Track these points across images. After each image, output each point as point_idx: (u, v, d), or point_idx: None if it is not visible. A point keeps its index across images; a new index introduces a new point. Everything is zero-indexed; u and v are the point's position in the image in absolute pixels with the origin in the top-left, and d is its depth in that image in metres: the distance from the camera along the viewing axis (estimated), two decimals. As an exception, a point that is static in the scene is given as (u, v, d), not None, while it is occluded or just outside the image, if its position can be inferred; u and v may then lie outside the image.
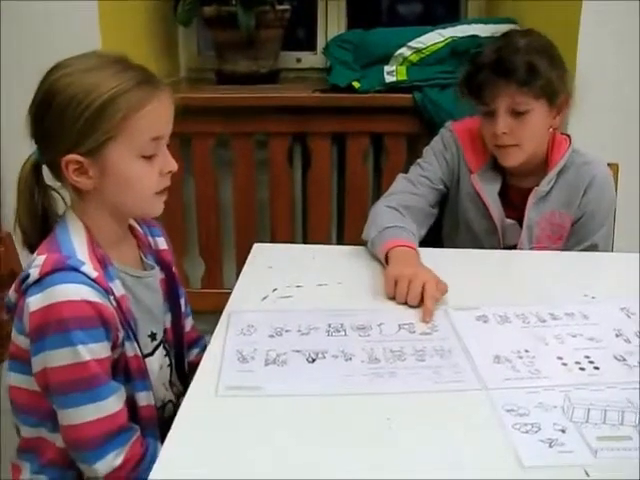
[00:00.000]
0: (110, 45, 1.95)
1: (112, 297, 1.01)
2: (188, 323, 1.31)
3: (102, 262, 1.03)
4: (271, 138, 2.24)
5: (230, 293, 1.27)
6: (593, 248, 1.54)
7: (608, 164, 1.60)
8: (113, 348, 1.01)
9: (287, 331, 1.12)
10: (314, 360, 1.04)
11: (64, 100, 0.98)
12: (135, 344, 1.05)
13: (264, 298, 1.24)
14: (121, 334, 1.02)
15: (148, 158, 1.03)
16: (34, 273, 0.98)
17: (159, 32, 2.47)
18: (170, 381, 1.22)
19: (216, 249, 2.33)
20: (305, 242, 2.35)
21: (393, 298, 1.23)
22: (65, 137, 0.99)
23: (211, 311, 1.32)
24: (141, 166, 1.03)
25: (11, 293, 1.03)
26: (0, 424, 1.69)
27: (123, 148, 1.00)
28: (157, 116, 1.02)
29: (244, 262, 1.43)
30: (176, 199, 2.22)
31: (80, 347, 0.95)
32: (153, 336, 1.14)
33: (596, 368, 1.02)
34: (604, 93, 1.96)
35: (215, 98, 2.20)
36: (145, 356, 1.10)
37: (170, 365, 1.22)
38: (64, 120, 0.98)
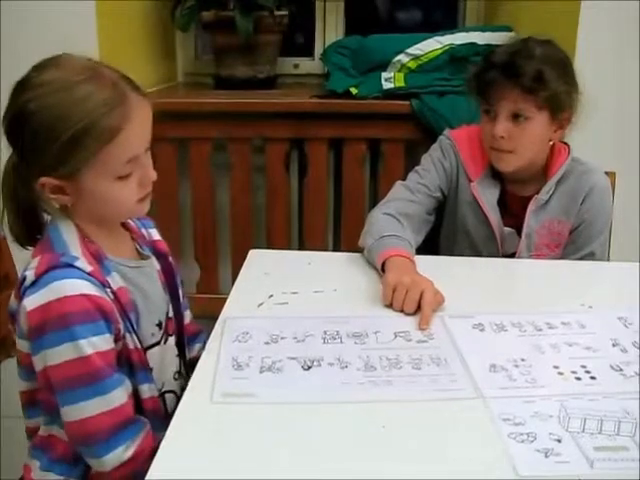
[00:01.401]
0: (107, 50, 1.94)
1: (109, 290, 1.01)
2: (187, 315, 1.30)
3: (96, 256, 1.03)
4: (268, 143, 2.23)
5: (225, 298, 1.27)
6: (591, 256, 1.54)
7: (605, 172, 1.61)
8: (116, 341, 1.02)
9: (283, 338, 1.11)
10: (309, 367, 1.03)
11: (33, 127, 0.96)
12: (135, 336, 1.06)
13: (260, 305, 1.24)
14: (121, 326, 1.02)
15: (125, 177, 1.02)
16: (30, 275, 0.98)
17: (157, 37, 2.47)
18: (179, 372, 1.22)
19: (212, 254, 2.32)
20: (301, 248, 2.34)
21: (390, 305, 1.23)
22: (38, 163, 0.98)
23: (206, 316, 1.31)
24: (117, 187, 1.02)
25: (12, 300, 1.03)
26: (0, 427, 1.69)
27: (97, 174, 0.99)
28: (130, 140, 1.00)
29: (240, 267, 1.42)
30: (172, 203, 2.21)
31: (82, 341, 0.96)
32: (160, 325, 1.15)
33: (592, 378, 1.02)
34: (601, 101, 1.96)
35: (212, 103, 2.19)
36: (153, 345, 1.12)
37: (178, 355, 1.22)
38: (35, 147, 0.97)
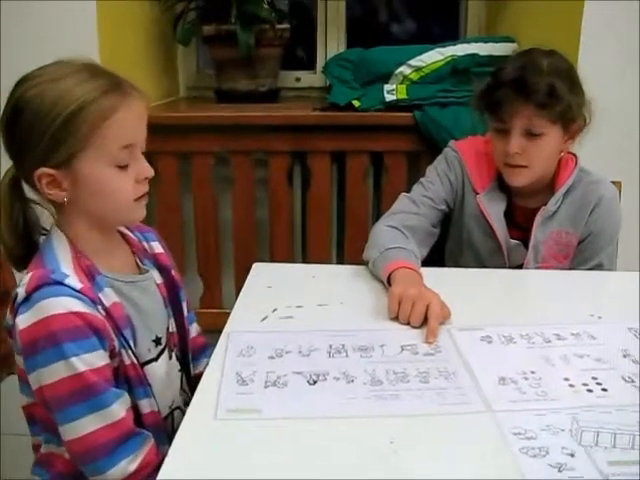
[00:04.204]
0: (109, 65, 1.93)
1: (100, 307, 1.00)
2: (193, 329, 1.30)
3: (88, 273, 1.02)
4: (271, 156, 2.22)
5: (229, 313, 1.25)
6: (599, 267, 1.53)
7: (611, 182, 1.59)
8: (112, 357, 1.01)
9: (287, 352, 1.10)
10: (315, 382, 1.01)
11: (30, 114, 0.97)
12: (130, 352, 1.05)
13: (264, 319, 1.22)
14: (116, 342, 1.02)
15: (121, 167, 1.02)
16: (21, 292, 0.98)
17: (158, 51, 2.47)
18: (181, 387, 1.21)
19: (215, 268, 2.30)
20: (305, 261, 2.33)
21: (396, 318, 1.21)
22: (34, 151, 0.98)
23: (210, 331, 1.30)
24: (114, 176, 1.01)
25: (8, 315, 1.02)
26: (0, 445, 1.68)
27: (93, 159, 0.99)
28: (126, 124, 1.00)
29: (243, 281, 1.41)
30: (175, 217, 2.20)
31: (73, 359, 0.95)
32: (158, 340, 1.13)
33: (604, 390, 0.99)
34: (605, 111, 1.95)
35: (214, 116, 2.18)
36: (149, 362, 1.10)
37: (181, 370, 1.21)
38: (32, 134, 0.97)
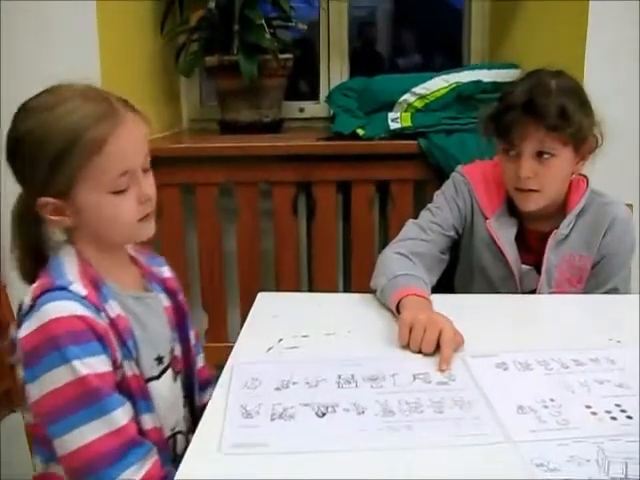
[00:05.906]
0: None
1: (103, 314, 0.99)
2: (199, 360, 1.27)
3: (95, 283, 1.02)
4: (275, 187, 2.20)
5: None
6: (613, 291, 1.49)
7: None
8: (115, 369, 0.99)
9: (294, 383, 1.05)
10: (324, 414, 0.97)
11: (27, 146, 0.98)
12: (133, 364, 1.02)
13: (269, 349, 1.18)
14: (119, 353, 1.00)
15: (121, 192, 1.01)
16: (27, 301, 0.98)
17: (161, 83, 2.47)
18: (185, 414, 1.18)
19: (220, 301, 2.26)
20: (311, 291, 2.29)
21: (406, 346, 1.17)
22: (34, 181, 0.99)
23: (215, 366, 1.26)
24: (113, 201, 1.01)
25: (13, 329, 1.01)
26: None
27: (91, 188, 0.99)
28: (121, 152, 0.99)
29: (248, 314, 1.37)
30: (179, 249, 2.17)
31: (75, 362, 0.93)
32: (160, 360, 1.11)
33: (629, 417, 0.94)
34: (613, 135, 1.93)
35: (218, 148, 2.17)
36: (151, 379, 1.08)
37: (186, 397, 1.19)
38: (30, 165, 0.98)
